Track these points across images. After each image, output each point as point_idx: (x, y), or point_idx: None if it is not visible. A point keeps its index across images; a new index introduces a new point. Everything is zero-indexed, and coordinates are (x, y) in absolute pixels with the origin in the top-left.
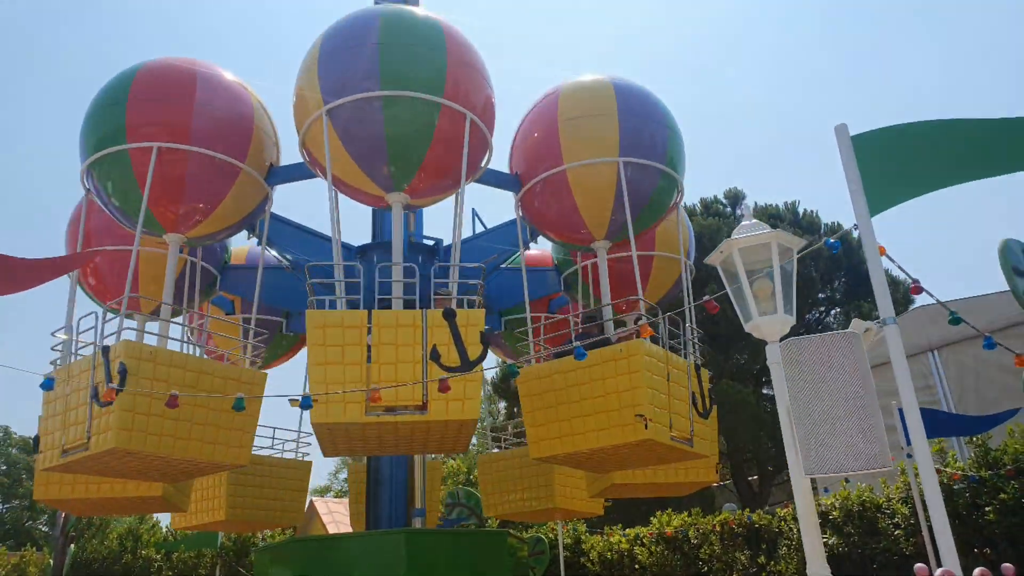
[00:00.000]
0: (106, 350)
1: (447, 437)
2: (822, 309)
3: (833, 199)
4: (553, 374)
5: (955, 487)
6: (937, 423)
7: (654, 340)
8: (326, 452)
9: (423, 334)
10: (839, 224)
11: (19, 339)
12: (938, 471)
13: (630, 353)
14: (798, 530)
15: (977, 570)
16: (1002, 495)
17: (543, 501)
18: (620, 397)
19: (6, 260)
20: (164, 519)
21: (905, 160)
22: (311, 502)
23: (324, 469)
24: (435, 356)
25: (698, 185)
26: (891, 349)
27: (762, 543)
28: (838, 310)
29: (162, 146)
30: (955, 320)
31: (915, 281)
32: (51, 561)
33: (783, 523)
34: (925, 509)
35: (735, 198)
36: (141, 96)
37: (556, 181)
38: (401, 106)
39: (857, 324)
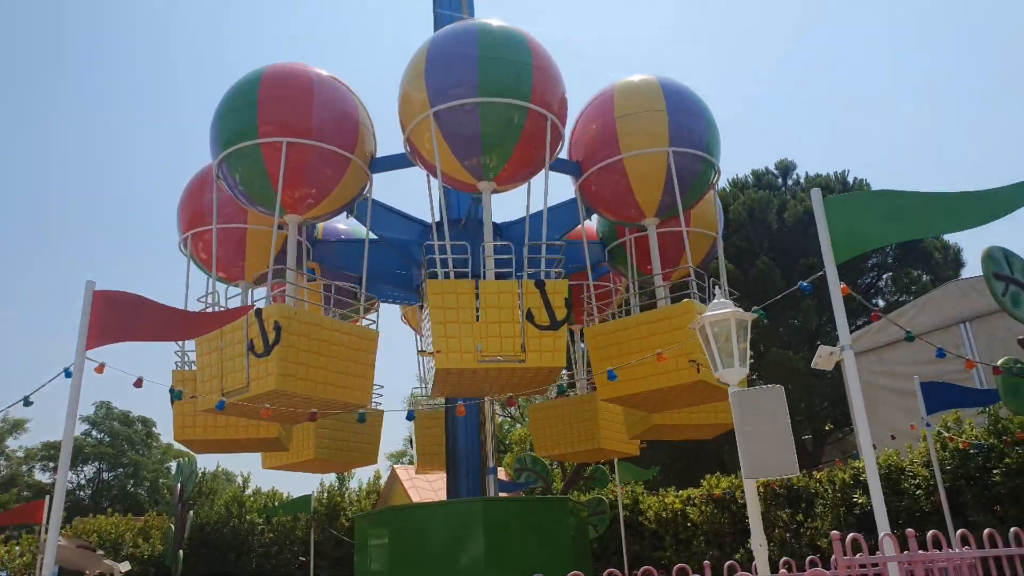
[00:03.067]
0: (259, 312)
1: (538, 380)
2: (873, 274)
3: (884, 166)
4: (617, 330)
5: (970, 452)
6: (946, 396)
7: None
8: (436, 393)
9: (519, 299)
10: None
11: None
12: (951, 439)
13: (684, 311)
14: (832, 491)
15: (987, 531)
16: (1007, 460)
17: (588, 443)
18: (676, 346)
19: (178, 313)
20: (265, 485)
21: (866, 219)
22: (392, 469)
23: (399, 434)
24: (530, 317)
25: (752, 156)
26: (846, 369)
27: (801, 503)
28: (889, 275)
29: (290, 141)
30: (910, 338)
31: (875, 309)
32: (171, 525)
33: (819, 485)
34: (942, 472)
35: (786, 169)
36: (268, 97)
37: (614, 168)
38: (495, 110)
39: (823, 350)
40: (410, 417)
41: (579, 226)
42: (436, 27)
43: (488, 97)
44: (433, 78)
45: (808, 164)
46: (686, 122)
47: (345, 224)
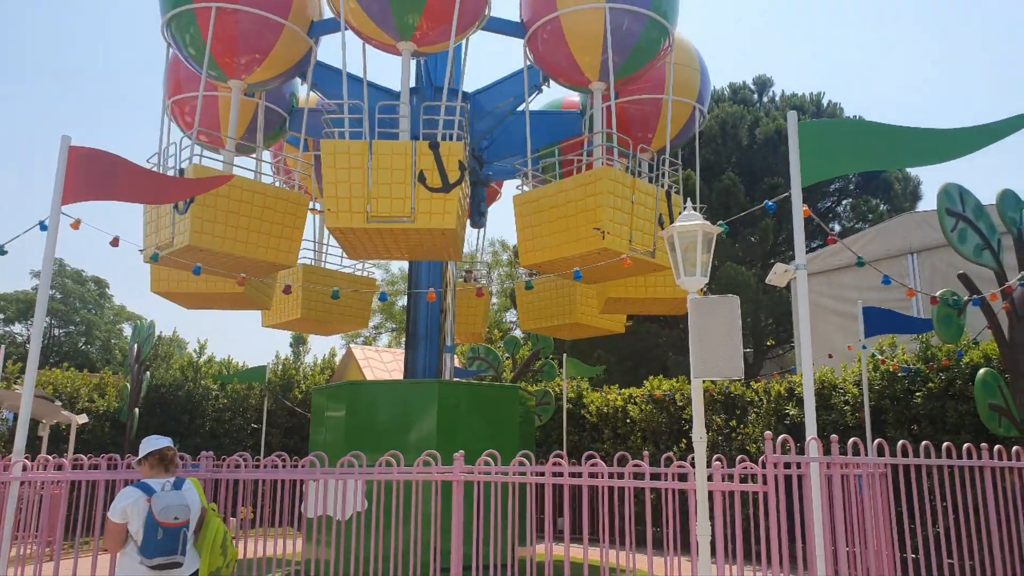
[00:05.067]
0: (181, 172)
1: (436, 245)
2: (834, 199)
3: (860, 90)
4: (540, 198)
5: (899, 374)
6: (885, 322)
7: (634, 172)
8: (349, 255)
9: (412, 161)
10: (860, 117)
11: None
12: (883, 361)
13: (596, 178)
14: (767, 401)
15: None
16: (930, 384)
17: (567, 317)
18: (587, 215)
19: (154, 176)
20: (219, 354)
21: (837, 146)
22: (348, 348)
23: None
24: (422, 179)
25: (733, 68)
26: (797, 287)
27: (736, 410)
28: (848, 201)
29: (219, 6)
30: (860, 263)
31: (832, 234)
32: (127, 385)
33: (755, 395)
34: (870, 391)
35: (763, 85)
36: None
37: (553, 27)
38: None
39: (779, 267)
40: (383, 298)
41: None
42: None
43: None
44: None
45: (785, 83)
46: None
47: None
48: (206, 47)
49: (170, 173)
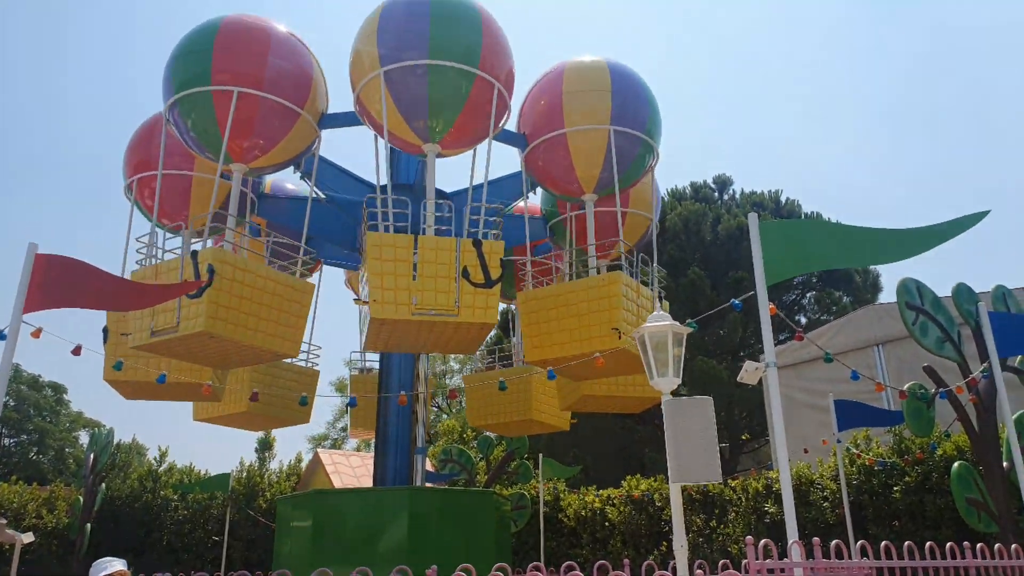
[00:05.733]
0: (195, 254)
1: (470, 338)
2: (798, 292)
3: (814, 190)
4: (548, 296)
5: (875, 468)
6: (857, 414)
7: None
8: (369, 346)
9: (456, 256)
10: (818, 213)
11: None
12: (858, 455)
13: (612, 281)
14: (745, 499)
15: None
16: (907, 478)
17: (521, 414)
18: (601, 315)
19: (121, 282)
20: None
21: (798, 246)
22: (315, 453)
23: (322, 417)
24: (465, 274)
25: (691, 168)
26: (769, 387)
27: (715, 509)
28: (812, 294)
29: (241, 91)
30: (828, 359)
31: (799, 330)
32: (80, 498)
33: (733, 493)
34: (848, 486)
35: (723, 184)
36: (224, 46)
37: (557, 142)
38: (444, 73)
39: (749, 364)
40: (352, 404)
41: (520, 202)
42: None
43: (438, 60)
44: (385, 38)
45: (744, 180)
46: (629, 104)
47: (294, 184)
48: (219, 130)
49: (154, 262)
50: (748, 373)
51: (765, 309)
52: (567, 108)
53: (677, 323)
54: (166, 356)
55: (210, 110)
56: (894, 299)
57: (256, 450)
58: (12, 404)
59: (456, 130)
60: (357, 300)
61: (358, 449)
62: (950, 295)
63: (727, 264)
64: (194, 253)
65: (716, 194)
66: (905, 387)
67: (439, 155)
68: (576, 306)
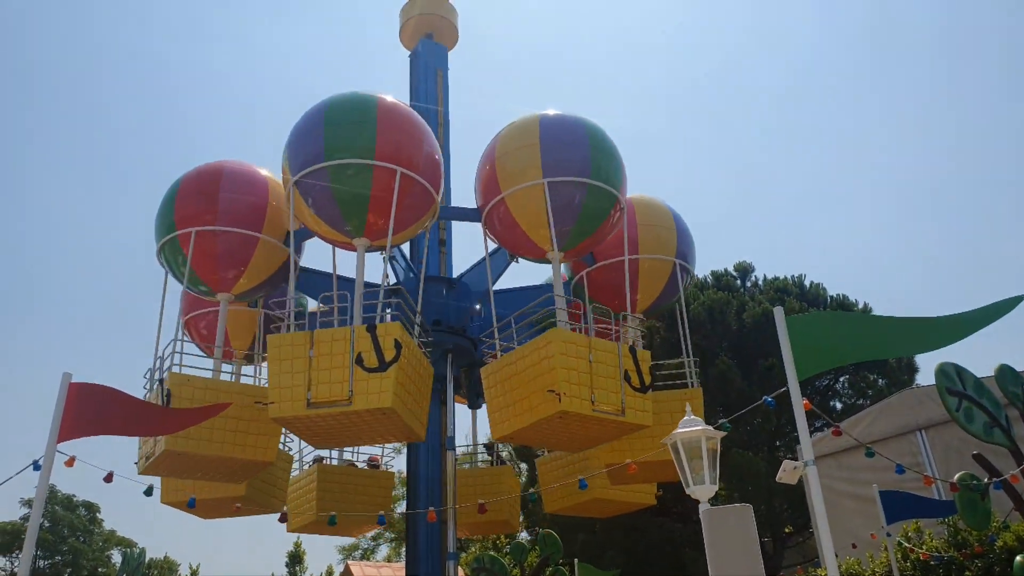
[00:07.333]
0: (161, 381)
1: (382, 426)
2: (831, 377)
3: (840, 272)
4: (503, 367)
5: (931, 563)
6: (906, 506)
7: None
8: (313, 444)
9: (351, 345)
10: (844, 296)
11: None
12: (911, 550)
13: (547, 341)
14: None
15: None
16: (967, 573)
17: (586, 494)
18: (541, 379)
19: (152, 408)
20: None
21: (827, 339)
22: (346, 565)
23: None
24: (359, 361)
25: (715, 258)
26: (811, 485)
27: None
28: (846, 377)
29: (198, 230)
30: (870, 454)
31: (836, 426)
32: None
33: None
34: None
35: (744, 271)
36: (184, 194)
37: (502, 208)
38: (342, 171)
39: (787, 464)
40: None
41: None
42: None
43: (332, 161)
44: (293, 152)
45: (766, 267)
46: (563, 151)
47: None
48: (192, 266)
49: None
50: (787, 473)
51: (799, 406)
52: (500, 172)
53: (710, 427)
54: (162, 476)
55: (180, 251)
56: (932, 381)
57: (286, 564)
58: (47, 525)
59: (373, 221)
60: (258, 402)
61: (388, 559)
62: (992, 375)
63: (756, 351)
64: (160, 380)
65: (738, 282)
66: (955, 478)
67: (368, 248)
68: (524, 373)
